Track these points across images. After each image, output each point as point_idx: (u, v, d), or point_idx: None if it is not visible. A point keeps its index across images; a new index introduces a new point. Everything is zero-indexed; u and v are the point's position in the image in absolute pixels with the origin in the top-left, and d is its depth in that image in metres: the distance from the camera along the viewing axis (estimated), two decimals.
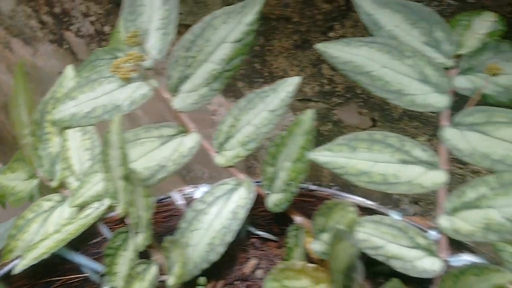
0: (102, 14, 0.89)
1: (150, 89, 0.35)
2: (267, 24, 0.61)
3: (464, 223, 0.28)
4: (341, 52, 0.35)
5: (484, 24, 0.37)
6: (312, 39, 0.59)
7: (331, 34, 0.57)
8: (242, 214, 0.31)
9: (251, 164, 0.81)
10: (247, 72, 0.67)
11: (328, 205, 0.25)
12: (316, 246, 0.25)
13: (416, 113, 0.55)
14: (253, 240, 0.36)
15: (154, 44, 0.36)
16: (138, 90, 0.35)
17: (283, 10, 0.58)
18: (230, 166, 0.34)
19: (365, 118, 0.63)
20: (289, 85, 0.32)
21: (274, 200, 0.31)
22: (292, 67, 0.63)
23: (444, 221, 0.29)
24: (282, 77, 0.64)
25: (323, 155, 0.31)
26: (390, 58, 0.34)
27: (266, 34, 0.62)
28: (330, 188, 0.34)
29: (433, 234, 0.29)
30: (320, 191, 0.34)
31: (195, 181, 1.01)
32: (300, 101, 0.66)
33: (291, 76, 0.67)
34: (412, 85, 0.34)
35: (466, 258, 0.29)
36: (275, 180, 0.30)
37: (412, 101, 0.33)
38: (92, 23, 0.93)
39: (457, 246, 0.30)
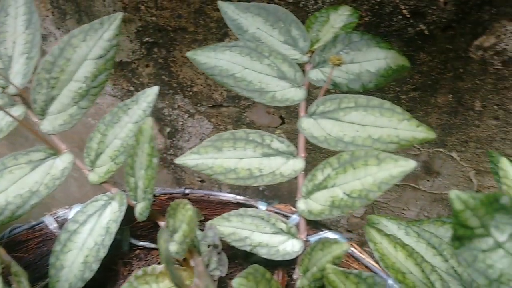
0: None
1: (19, 115, 0.35)
2: (166, 36, 0.61)
3: (316, 204, 0.30)
4: (208, 58, 0.37)
5: (340, 18, 0.40)
6: None
7: (226, 40, 0.59)
8: (115, 228, 0.32)
9: (180, 176, 0.81)
10: (157, 85, 0.68)
11: (173, 206, 0.26)
12: (171, 247, 0.26)
13: None
14: (137, 251, 0.37)
15: (19, 70, 0.35)
16: (4, 118, 0.34)
17: (178, 21, 0.59)
18: (103, 182, 0.34)
19: (274, 117, 0.65)
20: (149, 95, 0.33)
21: (139, 209, 0.31)
22: (198, 76, 0.64)
23: (301, 204, 0.30)
24: (190, 86, 0.65)
25: (191, 159, 0.32)
26: (250, 59, 0.36)
27: (166, 46, 0.62)
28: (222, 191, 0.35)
29: (294, 218, 0.31)
30: (194, 193, 0.35)
31: None
32: (212, 107, 0.67)
33: (199, 85, 0.68)
34: (272, 83, 0.36)
35: (324, 235, 0.31)
36: (137, 190, 0.31)
37: (273, 98, 0.35)
38: None
39: (317, 225, 0.32)
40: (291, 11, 0.53)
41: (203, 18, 0.58)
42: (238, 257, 0.33)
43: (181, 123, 0.72)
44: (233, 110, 0.67)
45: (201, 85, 0.65)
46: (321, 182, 0.30)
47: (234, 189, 0.74)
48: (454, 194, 0.21)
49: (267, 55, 0.36)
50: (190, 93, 0.66)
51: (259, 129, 0.67)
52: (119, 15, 0.36)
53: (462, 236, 0.22)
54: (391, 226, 0.35)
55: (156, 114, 0.72)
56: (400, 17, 0.49)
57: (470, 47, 0.49)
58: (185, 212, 0.25)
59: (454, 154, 0.58)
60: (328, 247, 0.27)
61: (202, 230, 0.29)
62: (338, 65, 0.33)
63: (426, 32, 0.49)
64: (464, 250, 0.22)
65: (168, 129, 0.73)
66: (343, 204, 0.28)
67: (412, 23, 0.49)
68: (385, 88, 0.55)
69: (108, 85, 0.72)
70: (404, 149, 0.61)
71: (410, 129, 0.33)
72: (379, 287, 0.26)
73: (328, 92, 0.36)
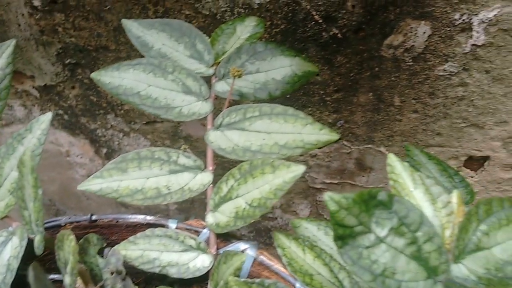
0: None
1: None
2: (88, 56, 0.60)
3: (222, 216, 0.30)
4: (112, 78, 0.36)
5: (246, 29, 0.41)
6: None
7: None
8: (16, 264, 0.30)
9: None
10: (86, 107, 0.66)
11: (59, 238, 0.26)
12: (66, 279, 0.25)
13: None
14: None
15: None
16: None
17: (98, 40, 0.58)
18: (4, 217, 0.33)
19: None
20: (43, 122, 0.32)
21: (36, 242, 0.30)
22: None
23: (209, 218, 0.30)
24: (121, 104, 0.64)
25: (94, 184, 0.31)
26: (154, 76, 0.36)
27: (90, 66, 0.61)
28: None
29: (205, 232, 0.31)
30: (102, 219, 0.34)
31: None
32: (146, 124, 0.66)
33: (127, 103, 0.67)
34: (178, 98, 0.35)
35: (234, 247, 0.31)
36: (31, 223, 0.30)
37: (180, 113, 0.35)
38: None
39: (227, 237, 0.32)
40: (209, 23, 0.53)
41: (123, 35, 0.57)
42: (154, 279, 0.32)
43: (117, 142, 0.70)
44: (168, 125, 0.66)
45: None
46: (226, 194, 0.30)
47: (180, 209, 0.73)
48: (327, 196, 0.21)
49: (171, 70, 0.36)
50: (122, 111, 0.65)
51: (197, 142, 0.67)
52: (12, 42, 0.34)
53: (343, 236, 0.22)
54: (311, 227, 0.35)
55: (90, 135, 0.70)
56: (313, 22, 0.51)
57: (382, 46, 0.51)
58: (69, 243, 0.24)
59: (382, 149, 0.60)
60: (230, 260, 0.27)
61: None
62: (239, 76, 0.34)
63: (339, 35, 0.51)
64: (348, 249, 0.23)
65: (104, 150, 0.72)
66: (246, 214, 0.28)
67: (326, 28, 0.51)
68: (310, 92, 0.56)
69: (36, 110, 0.69)
70: (337, 149, 0.62)
71: (314, 133, 0.34)
72: None
73: (237, 103, 0.37)
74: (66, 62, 0.62)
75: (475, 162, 0.58)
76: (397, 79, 0.53)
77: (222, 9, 0.51)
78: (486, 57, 0.49)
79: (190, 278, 0.30)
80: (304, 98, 0.57)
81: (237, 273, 0.27)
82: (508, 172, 0.57)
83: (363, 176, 0.65)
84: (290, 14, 0.50)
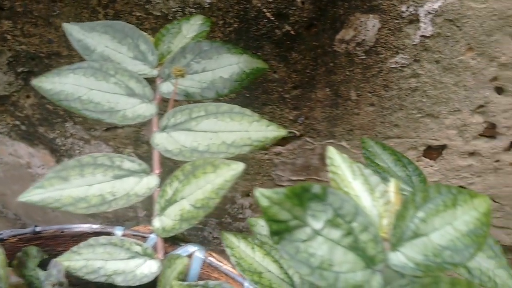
0: None
1: None
2: (40, 63, 0.58)
3: (168, 220, 0.29)
4: (52, 84, 0.35)
5: (192, 28, 0.40)
6: None
7: None
8: None
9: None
10: (43, 116, 0.64)
11: None
12: None
13: None
14: None
15: None
16: None
17: (49, 46, 0.56)
18: None
19: None
20: None
21: None
22: None
23: (156, 222, 0.30)
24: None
25: (35, 194, 0.30)
26: (95, 80, 0.35)
27: (43, 73, 0.59)
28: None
29: (152, 237, 0.31)
30: (46, 230, 0.33)
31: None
32: (107, 130, 0.65)
33: None
34: (121, 101, 0.35)
35: (182, 250, 0.31)
36: None
37: (124, 116, 0.34)
38: None
39: (175, 240, 0.31)
40: (161, 24, 0.53)
41: None
42: None
43: (78, 151, 0.68)
44: (129, 130, 0.65)
45: None
46: (171, 197, 0.30)
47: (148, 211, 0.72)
48: (258, 192, 0.21)
49: (112, 73, 0.35)
50: (80, 118, 0.63)
51: None
52: None
53: (278, 231, 0.22)
54: (266, 225, 0.35)
55: (50, 145, 0.68)
56: (265, 20, 0.50)
57: (334, 41, 0.51)
58: (1, 257, 0.23)
59: (344, 143, 0.60)
60: (173, 264, 0.27)
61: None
62: (181, 76, 0.33)
63: (292, 32, 0.51)
64: (285, 244, 0.22)
65: (66, 160, 0.70)
66: (190, 216, 0.28)
67: (278, 25, 0.51)
68: (268, 90, 0.56)
69: None
70: (300, 145, 0.62)
71: (261, 130, 0.34)
72: None
73: (186, 103, 0.36)
74: (19, 70, 0.60)
75: (434, 152, 0.59)
76: (352, 74, 0.54)
77: (173, 10, 0.50)
78: (435, 47, 0.50)
79: (139, 286, 0.29)
80: (263, 97, 0.57)
81: (180, 276, 0.26)
82: (465, 159, 0.59)
83: (327, 171, 0.65)
84: (242, 13, 0.50)
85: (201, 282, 0.26)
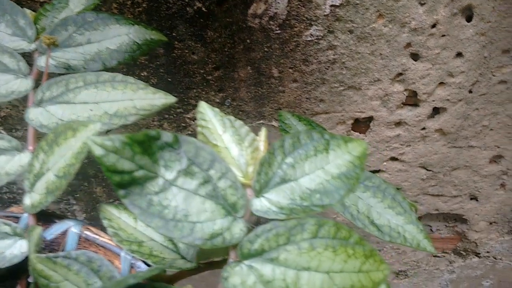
0: None
1: None
2: None
3: (36, 195, 0.27)
4: None
5: (80, 1, 0.38)
6: None
7: None
8: None
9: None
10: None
11: None
12: None
13: None
14: None
15: None
16: None
17: None
18: None
19: None
20: None
21: None
22: None
23: (26, 200, 0.28)
24: None
25: None
26: None
27: None
28: None
29: (25, 216, 0.29)
30: None
31: None
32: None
33: (4, 108, 0.62)
34: None
35: (58, 226, 0.29)
36: None
37: None
38: None
39: (50, 217, 0.29)
40: None
41: None
42: None
43: None
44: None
45: (7, 108, 0.59)
46: (39, 171, 0.28)
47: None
48: (89, 140, 0.19)
49: None
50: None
51: None
52: None
53: (122, 183, 0.20)
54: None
55: None
56: None
57: (247, 16, 0.51)
58: None
59: (274, 123, 0.60)
60: (31, 236, 0.25)
61: None
62: (54, 44, 0.31)
63: (204, 9, 0.50)
64: (135, 198, 0.21)
65: None
66: (54, 187, 0.26)
67: (189, 3, 0.49)
68: (190, 72, 0.55)
69: None
70: None
71: (147, 98, 0.32)
72: (96, 264, 0.24)
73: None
74: None
75: (362, 125, 0.59)
76: (270, 50, 0.53)
77: None
78: (346, 16, 0.50)
79: (19, 270, 0.27)
80: (186, 80, 0.56)
81: (37, 248, 0.24)
82: (393, 129, 0.59)
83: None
84: None
85: (62, 253, 0.24)
